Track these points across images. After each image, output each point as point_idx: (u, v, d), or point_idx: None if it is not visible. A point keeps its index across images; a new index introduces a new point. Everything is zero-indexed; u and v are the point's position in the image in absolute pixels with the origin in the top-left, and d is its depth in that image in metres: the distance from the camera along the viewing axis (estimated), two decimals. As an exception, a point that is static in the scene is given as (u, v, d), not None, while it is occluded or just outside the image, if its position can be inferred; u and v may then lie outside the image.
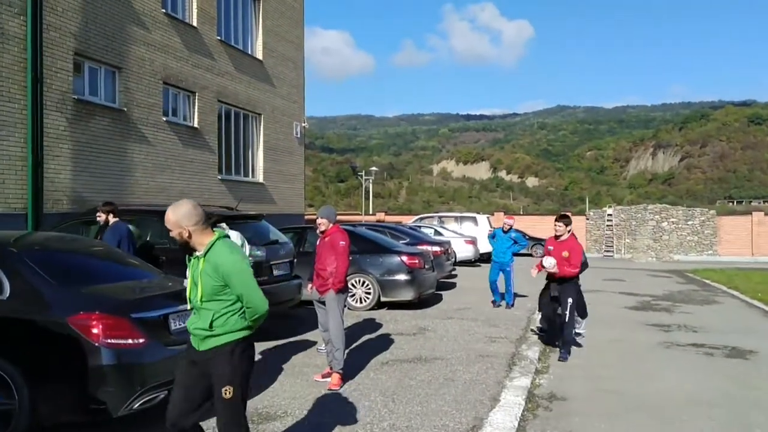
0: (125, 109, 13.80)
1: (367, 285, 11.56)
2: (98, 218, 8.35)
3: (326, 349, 6.75)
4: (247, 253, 7.51)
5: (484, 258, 23.63)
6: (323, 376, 6.61)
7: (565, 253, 8.06)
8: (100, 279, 5.12)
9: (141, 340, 4.61)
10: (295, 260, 9.38)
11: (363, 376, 6.89)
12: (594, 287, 16.73)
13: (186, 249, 3.63)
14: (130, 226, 8.12)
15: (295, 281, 9.07)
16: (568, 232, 8.28)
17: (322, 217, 6.71)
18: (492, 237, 12.96)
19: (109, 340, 4.44)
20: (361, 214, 43.00)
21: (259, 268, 8.05)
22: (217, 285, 3.46)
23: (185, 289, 5.42)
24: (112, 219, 8.22)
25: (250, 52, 19.49)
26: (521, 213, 69.93)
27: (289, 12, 21.83)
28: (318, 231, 6.79)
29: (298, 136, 22.59)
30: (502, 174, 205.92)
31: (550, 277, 8.36)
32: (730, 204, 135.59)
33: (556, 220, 8.43)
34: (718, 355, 8.56)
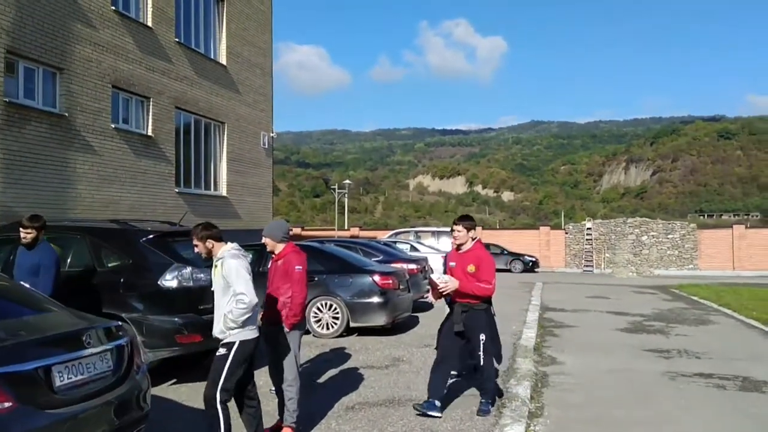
0: (67, 115, 12.48)
1: (335, 309, 10.33)
2: (25, 236, 6.32)
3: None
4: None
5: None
6: (272, 430, 5.37)
7: (471, 268, 5.84)
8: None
9: (6, 405, 3.33)
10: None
11: (323, 428, 5.66)
12: (579, 306, 15.73)
13: None
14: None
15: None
16: (473, 239, 6.01)
17: (264, 236, 5.49)
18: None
19: (-45, 408, 3.17)
20: (335, 230, 41.73)
21: (203, 294, 6.81)
22: None
23: (87, 329, 4.21)
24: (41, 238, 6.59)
25: (212, 56, 18.28)
26: (497, 227, 69.26)
27: (255, 15, 20.67)
28: (268, 251, 5.57)
29: (266, 146, 21.35)
30: (478, 188, 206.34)
31: (451, 301, 6.11)
32: (701, 217, 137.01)
33: (453, 224, 6.07)
34: (732, 388, 7.49)
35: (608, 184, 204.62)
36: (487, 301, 5.99)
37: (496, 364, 6.37)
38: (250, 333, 4.63)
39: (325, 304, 10.34)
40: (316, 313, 10.29)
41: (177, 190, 16.30)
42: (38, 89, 12.03)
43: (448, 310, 6.32)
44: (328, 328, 10.29)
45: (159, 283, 6.59)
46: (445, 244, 23.62)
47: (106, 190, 13.52)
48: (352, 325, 10.34)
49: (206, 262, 7.31)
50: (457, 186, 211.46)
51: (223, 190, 18.81)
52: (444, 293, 5.93)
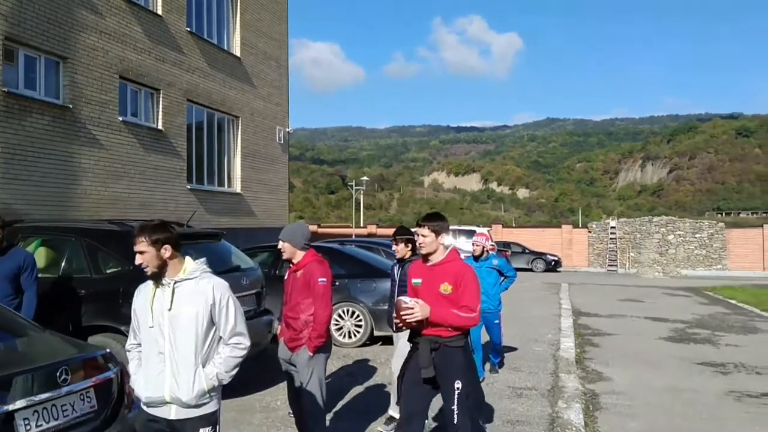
0: (71, 106, 11.73)
1: (358, 316, 9.50)
2: None
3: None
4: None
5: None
6: (292, 469, 4.56)
7: (446, 287, 4.00)
8: None
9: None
10: (264, 290, 7.31)
11: (350, 464, 4.85)
12: (613, 310, 14.78)
13: None
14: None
15: (265, 318, 7.00)
16: (446, 248, 4.18)
17: (283, 241, 4.65)
18: None
19: None
20: (352, 227, 40.95)
21: (212, 304, 6.01)
22: None
23: (65, 361, 3.35)
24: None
25: (225, 47, 17.49)
26: (513, 225, 67.98)
27: (270, 6, 19.87)
28: (284, 259, 4.75)
29: (281, 142, 20.56)
30: (493, 185, 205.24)
31: (415, 334, 4.13)
32: (719, 215, 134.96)
33: (417, 225, 4.24)
34: (809, 412, 6.59)
35: (624, 182, 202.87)
36: (465, 332, 4.06)
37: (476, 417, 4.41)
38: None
39: (347, 310, 9.52)
40: (337, 320, 9.48)
41: (189, 187, 15.55)
42: (40, 79, 11.28)
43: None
44: (350, 337, 9.47)
45: (163, 292, 5.79)
46: (465, 243, 22.73)
47: (113, 187, 12.79)
48: (376, 333, 9.50)
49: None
50: (472, 183, 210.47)
51: (237, 187, 18.05)
52: (408, 322, 3.91)
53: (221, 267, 6.55)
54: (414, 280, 4.17)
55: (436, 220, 4.15)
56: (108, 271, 6.03)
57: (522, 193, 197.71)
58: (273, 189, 20.02)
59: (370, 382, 7.41)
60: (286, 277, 4.75)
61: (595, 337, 11.04)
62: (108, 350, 3.69)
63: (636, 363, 8.93)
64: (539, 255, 30.39)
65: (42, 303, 5.46)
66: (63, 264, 6.11)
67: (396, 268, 5.78)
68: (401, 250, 5.66)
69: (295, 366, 4.56)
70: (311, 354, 4.45)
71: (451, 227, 26.88)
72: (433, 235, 4.08)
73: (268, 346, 7.04)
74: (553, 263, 30.12)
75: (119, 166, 12.97)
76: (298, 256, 4.61)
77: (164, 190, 14.43)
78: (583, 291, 19.85)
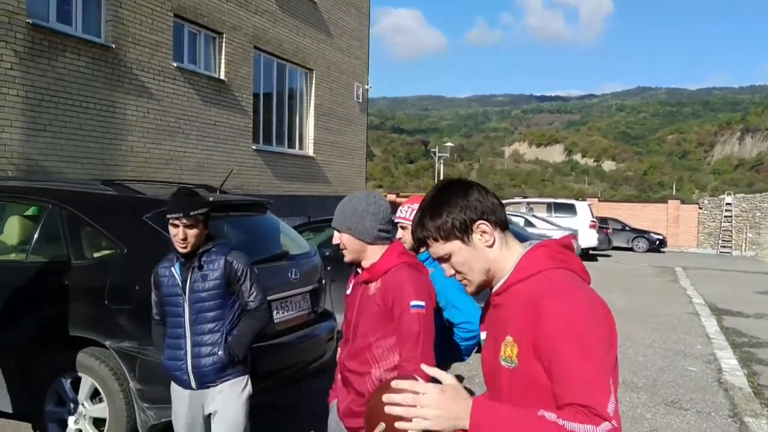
0: (114, 46, 9.96)
1: (449, 313, 7.36)
2: None
3: None
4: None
5: (585, 255, 19.39)
6: None
7: (507, 350, 1.44)
8: None
9: None
10: (324, 283, 5.21)
11: None
12: (758, 307, 11.90)
13: None
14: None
15: (324, 325, 4.91)
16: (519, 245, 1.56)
17: (340, 230, 2.39)
18: None
19: None
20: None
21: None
22: None
23: None
24: None
25: (299, -10, 15.44)
26: (599, 198, 63.41)
27: (350, -56, 17.62)
28: (344, 258, 2.48)
29: (360, 100, 18.47)
30: (577, 157, 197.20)
31: None
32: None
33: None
34: None
35: (720, 155, 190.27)
36: None
37: None
38: None
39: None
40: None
41: (255, 148, 13.73)
42: (77, 12, 9.51)
43: None
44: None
45: (168, 290, 3.79)
46: (562, 220, 20.10)
47: (165, 144, 11.07)
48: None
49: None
50: (554, 154, 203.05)
51: (309, 150, 16.13)
52: None
53: (263, 253, 4.49)
54: (481, 334, 1.65)
55: None
56: (94, 256, 4.08)
57: (608, 165, 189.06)
58: (349, 153, 18.02)
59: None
60: (348, 292, 2.58)
61: (756, 350, 8.44)
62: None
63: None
64: (642, 233, 27.20)
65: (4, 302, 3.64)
66: (33, 243, 4.20)
67: (174, 268, 3.00)
68: (192, 236, 2.88)
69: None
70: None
71: (547, 200, 24.08)
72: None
73: (326, 363, 4.97)
74: (657, 243, 26.91)
75: (172, 120, 11.22)
76: (371, 255, 2.41)
77: (225, 150, 12.63)
78: (705, 278, 16.90)
